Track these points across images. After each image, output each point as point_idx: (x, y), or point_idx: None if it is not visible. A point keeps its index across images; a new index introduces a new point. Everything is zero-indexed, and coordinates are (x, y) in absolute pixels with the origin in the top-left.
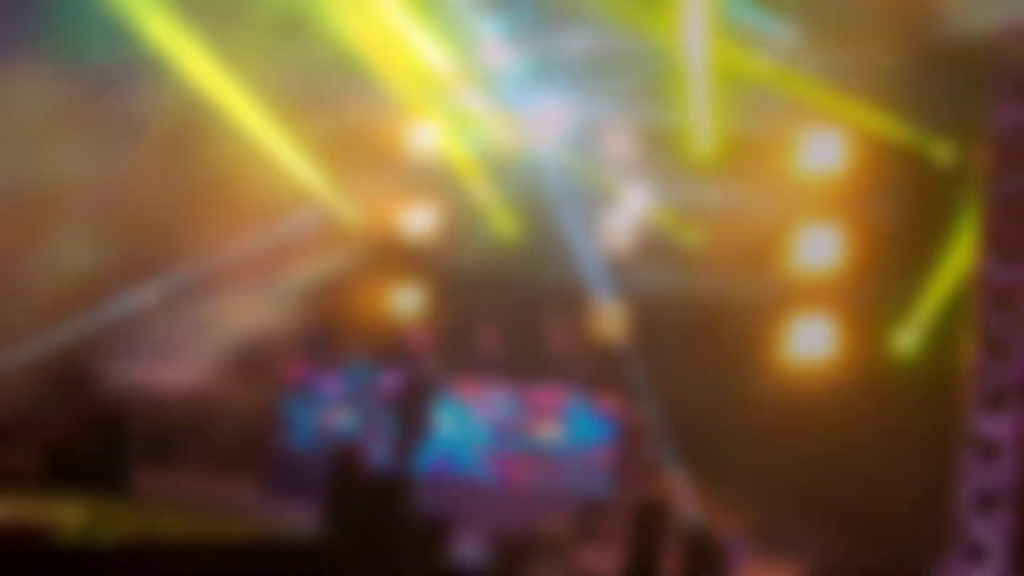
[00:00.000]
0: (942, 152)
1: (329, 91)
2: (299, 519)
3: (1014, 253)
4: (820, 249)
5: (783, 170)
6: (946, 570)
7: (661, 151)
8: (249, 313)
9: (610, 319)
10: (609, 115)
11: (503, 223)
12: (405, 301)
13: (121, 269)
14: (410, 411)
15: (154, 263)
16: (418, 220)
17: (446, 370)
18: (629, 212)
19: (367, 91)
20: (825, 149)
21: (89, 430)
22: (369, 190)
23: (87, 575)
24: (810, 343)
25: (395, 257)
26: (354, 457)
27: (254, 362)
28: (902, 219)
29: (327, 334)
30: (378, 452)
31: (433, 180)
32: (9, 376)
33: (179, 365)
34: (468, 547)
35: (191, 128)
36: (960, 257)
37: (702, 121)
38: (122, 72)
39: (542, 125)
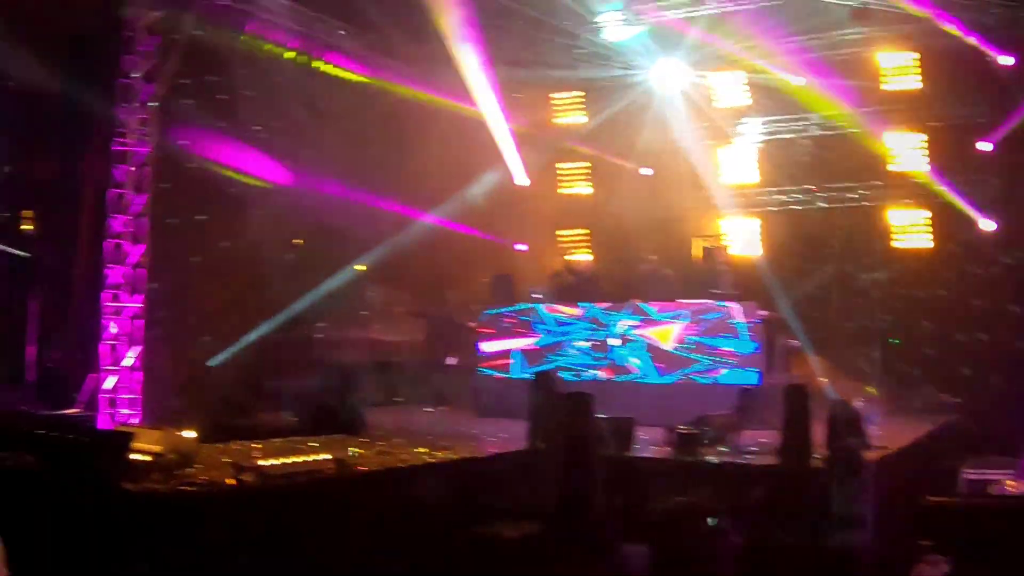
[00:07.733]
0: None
1: None
2: (505, 435)
3: None
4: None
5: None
6: None
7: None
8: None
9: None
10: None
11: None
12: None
13: None
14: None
15: None
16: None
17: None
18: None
19: None
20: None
21: (330, 388)
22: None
23: (349, 499)
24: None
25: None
26: (551, 379)
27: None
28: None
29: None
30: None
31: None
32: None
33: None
34: (649, 441)
35: None
36: None
37: None
38: None
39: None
